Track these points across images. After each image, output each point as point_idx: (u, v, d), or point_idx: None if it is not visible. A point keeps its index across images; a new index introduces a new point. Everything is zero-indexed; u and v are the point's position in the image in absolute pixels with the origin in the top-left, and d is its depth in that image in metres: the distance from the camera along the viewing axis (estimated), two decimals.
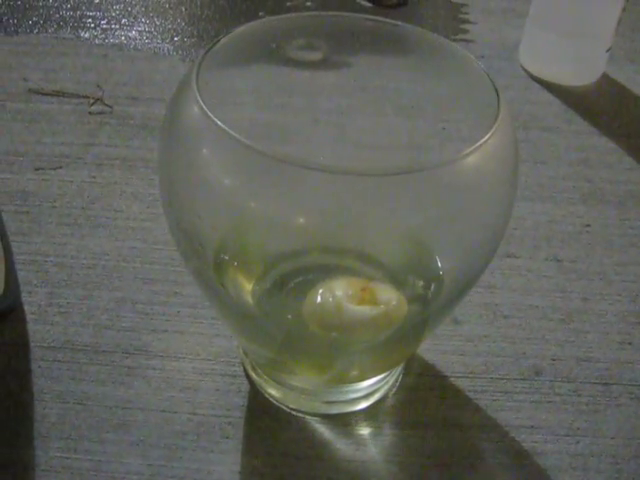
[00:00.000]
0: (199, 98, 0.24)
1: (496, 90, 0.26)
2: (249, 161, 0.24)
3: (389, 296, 0.29)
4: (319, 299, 0.29)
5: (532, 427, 0.33)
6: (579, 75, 0.57)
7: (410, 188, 0.24)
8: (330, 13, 0.31)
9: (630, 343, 0.37)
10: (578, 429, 0.33)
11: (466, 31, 0.63)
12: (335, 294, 0.29)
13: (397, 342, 0.30)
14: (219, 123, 0.23)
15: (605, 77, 0.58)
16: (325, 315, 0.29)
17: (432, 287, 0.30)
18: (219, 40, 0.28)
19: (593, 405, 0.34)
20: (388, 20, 0.30)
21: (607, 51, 0.56)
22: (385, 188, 0.24)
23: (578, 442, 0.33)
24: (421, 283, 0.31)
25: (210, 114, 0.24)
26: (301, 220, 0.26)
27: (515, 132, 0.26)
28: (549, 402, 0.34)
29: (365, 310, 0.28)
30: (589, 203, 0.45)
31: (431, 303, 0.30)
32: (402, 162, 0.33)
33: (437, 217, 0.25)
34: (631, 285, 0.40)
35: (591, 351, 0.36)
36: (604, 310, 0.39)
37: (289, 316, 0.31)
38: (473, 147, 0.23)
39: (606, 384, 0.35)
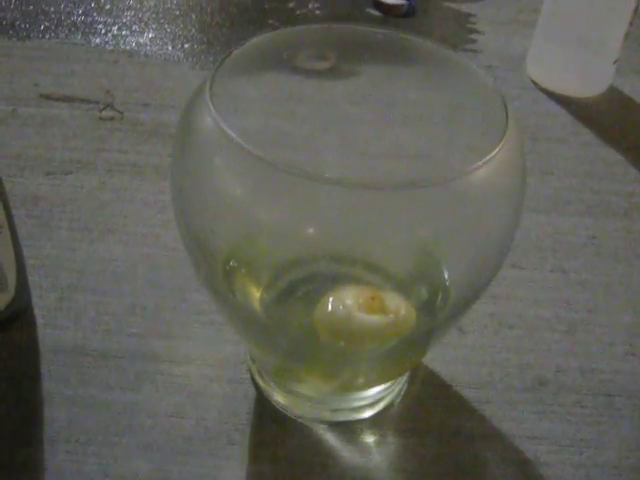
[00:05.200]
0: (212, 109, 0.25)
1: (504, 103, 0.26)
2: (260, 172, 0.24)
3: (398, 305, 0.29)
4: (329, 308, 0.29)
5: (536, 437, 0.33)
6: (586, 86, 0.57)
7: (419, 201, 0.24)
8: (340, 25, 0.32)
9: (634, 354, 0.37)
10: (581, 440, 0.33)
11: (474, 41, 0.64)
12: (345, 303, 0.29)
13: (403, 351, 0.30)
14: (232, 134, 0.24)
15: (612, 89, 0.58)
16: (335, 324, 0.29)
17: (439, 297, 0.31)
18: (232, 51, 0.28)
19: (597, 416, 0.34)
20: (397, 32, 0.31)
21: (614, 63, 0.56)
22: (394, 201, 0.24)
23: (582, 453, 0.33)
24: (428, 293, 0.32)
25: (223, 125, 0.24)
26: (310, 230, 0.26)
27: (523, 145, 0.26)
28: (553, 413, 0.34)
29: (375, 319, 0.28)
30: (595, 214, 0.46)
31: (438, 313, 0.30)
32: (410, 173, 0.34)
33: (445, 229, 0.26)
34: (636, 297, 0.40)
35: (595, 362, 0.37)
36: (609, 321, 0.39)
37: (297, 324, 0.32)
38: (482, 161, 0.23)
39: (610, 395, 0.35)
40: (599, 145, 0.52)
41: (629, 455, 0.33)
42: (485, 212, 0.25)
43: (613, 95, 0.58)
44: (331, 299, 0.29)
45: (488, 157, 0.23)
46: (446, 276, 0.30)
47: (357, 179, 0.23)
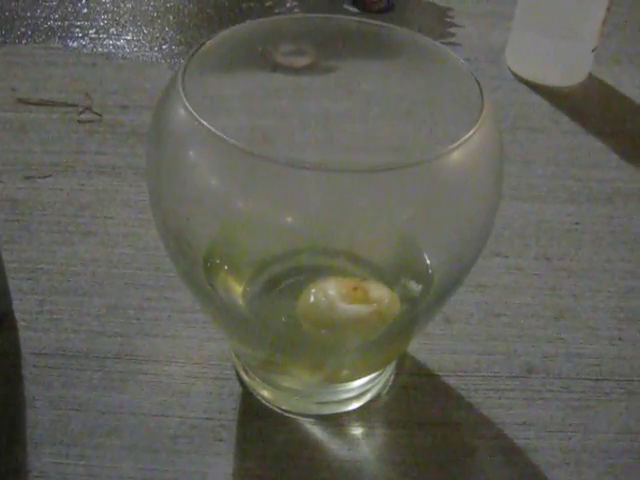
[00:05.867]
0: (185, 100, 0.24)
1: (479, 86, 0.26)
2: (236, 162, 0.24)
3: (381, 294, 0.29)
4: (312, 299, 0.29)
5: (524, 424, 0.33)
6: (566, 76, 0.58)
7: (397, 184, 0.24)
8: (316, 15, 0.31)
9: (620, 339, 0.37)
10: (570, 425, 0.33)
11: (453, 34, 0.64)
12: (328, 293, 0.29)
13: (388, 340, 0.30)
14: (205, 124, 0.24)
15: (591, 77, 0.58)
16: (318, 314, 0.29)
17: (421, 285, 0.30)
18: (204, 43, 0.28)
19: (585, 401, 0.34)
20: (373, 21, 0.31)
21: (593, 51, 0.56)
22: (372, 185, 0.24)
23: (570, 438, 0.33)
24: (410, 281, 0.32)
25: (196, 115, 0.24)
26: (289, 219, 0.26)
27: (500, 126, 0.26)
28: (541, 399, 0.34)
29: (358, 308, 0.28)
30: (578, 201, 0.46)
31: (421, 301, 0.30)
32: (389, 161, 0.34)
33: (424, 213, 0.26)
34: (620, 281, 0.40)
35: (582, 347, 0.37)
36: (594, 307, 0.39)
37: (281, 317, 0.31)
38: (458, 142, 0.23)
39: (597, 380, 0.35)
40: (580, 133, 0.52)
41: (618, 438, 0.33)
42: (464, 195, 0.25)
43: (592, 83, 0.58)
44: (313, 290, 0.29)
45: (464, 138, 0.23)
46: (428, 263, 0.29)
47: (333, 163, 0.22)
